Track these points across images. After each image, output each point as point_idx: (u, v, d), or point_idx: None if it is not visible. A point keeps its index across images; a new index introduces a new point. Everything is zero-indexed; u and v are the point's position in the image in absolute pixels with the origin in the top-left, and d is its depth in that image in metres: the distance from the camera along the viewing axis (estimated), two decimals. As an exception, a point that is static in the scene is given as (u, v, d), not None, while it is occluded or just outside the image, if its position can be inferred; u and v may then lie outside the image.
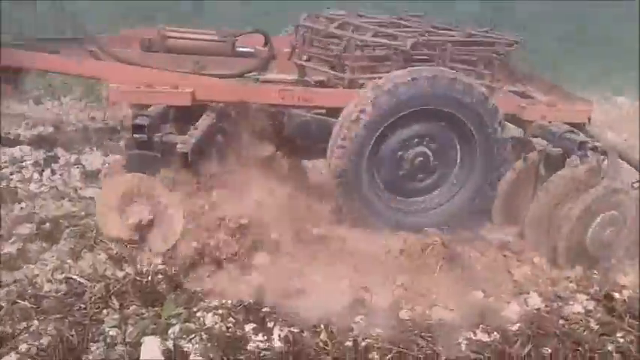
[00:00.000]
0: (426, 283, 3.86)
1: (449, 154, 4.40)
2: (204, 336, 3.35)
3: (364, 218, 4.31)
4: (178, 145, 3.80)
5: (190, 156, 3.81)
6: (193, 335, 3.35)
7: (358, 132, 4.08)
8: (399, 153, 4.29)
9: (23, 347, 3.17)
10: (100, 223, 4.02)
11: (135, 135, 3.84)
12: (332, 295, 3.70)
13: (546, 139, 4.55)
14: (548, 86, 5.27)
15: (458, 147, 4.39)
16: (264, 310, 3.58)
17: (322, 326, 3.47)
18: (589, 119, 4.81)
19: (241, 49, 5.12)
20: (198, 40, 5.00)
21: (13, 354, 3.13)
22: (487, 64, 4.67)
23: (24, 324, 3.33)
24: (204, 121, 4.18)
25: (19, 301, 3.49)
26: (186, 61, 4.82)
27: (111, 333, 3.31)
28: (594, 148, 4.42)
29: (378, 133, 4.13)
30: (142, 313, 3.48)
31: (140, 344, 3.23)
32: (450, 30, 4.90)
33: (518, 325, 3.69)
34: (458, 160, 4.43)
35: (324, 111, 4.45)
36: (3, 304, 3.45)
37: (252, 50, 5.13)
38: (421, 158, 4.30)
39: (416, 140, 4.28)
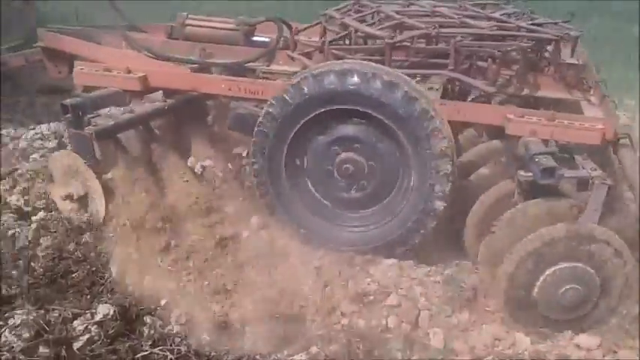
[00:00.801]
0: None
1: (387, 165, 3.72)
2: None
3: (293, 226, 3.91)
4: (86, 128, 3.87)
5: (96, 139, 3.85)
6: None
7: (268, 128, 3.71)
8: (326, 157, 3.77)
9: (313, 349, 3.30)
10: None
11: (63, 115, 4.02)
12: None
13: (522, 161, 3.57)
14: (599, 96, 4.11)
15: (399, 157, 3.69)
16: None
17: None
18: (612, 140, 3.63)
19: (256, 39, 4.95)
20: (212, 28, 4.98)
21: (303, 354, 3.28)
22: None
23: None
24: (143, 107, 4.16)
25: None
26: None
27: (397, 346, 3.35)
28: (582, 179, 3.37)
29: (292, 132, 3.69)
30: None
31: None
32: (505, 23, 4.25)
33: None
34: (400, 172, 3.72)
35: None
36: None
37: (268, 40, 4.92)
38: (349, 165, 3.71)
39: (344, 145, 3.71)
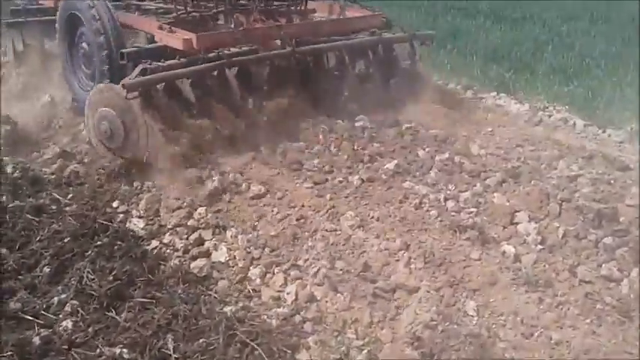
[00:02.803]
0: None
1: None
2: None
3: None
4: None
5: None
6: None
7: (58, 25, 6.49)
8: (79, 44, 6.38)
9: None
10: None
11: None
12: None
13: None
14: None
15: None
16: None
17: None
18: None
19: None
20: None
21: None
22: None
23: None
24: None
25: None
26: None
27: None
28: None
29: (64, 26, 6.39)
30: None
31: None
32: None
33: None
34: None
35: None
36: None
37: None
38: (82, 50, 6.26)
39: (84, 37, 6.26)
